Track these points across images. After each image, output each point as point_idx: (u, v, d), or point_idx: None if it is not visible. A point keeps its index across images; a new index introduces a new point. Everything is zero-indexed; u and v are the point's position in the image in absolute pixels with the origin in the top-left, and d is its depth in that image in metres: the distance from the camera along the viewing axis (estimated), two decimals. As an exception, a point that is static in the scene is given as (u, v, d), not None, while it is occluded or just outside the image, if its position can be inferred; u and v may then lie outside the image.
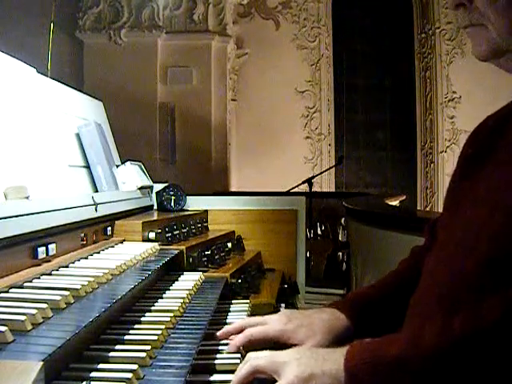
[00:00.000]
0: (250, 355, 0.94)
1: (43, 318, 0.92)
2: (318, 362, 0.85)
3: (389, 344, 0.84)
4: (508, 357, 0.76)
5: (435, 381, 0.79)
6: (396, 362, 0.80)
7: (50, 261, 1.28)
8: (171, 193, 2.30)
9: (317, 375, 0.84)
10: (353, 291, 4.28)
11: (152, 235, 1.78)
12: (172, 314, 1.23)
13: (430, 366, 0.79)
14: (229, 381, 1.01)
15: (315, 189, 7.39)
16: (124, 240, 1.74)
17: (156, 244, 1.72)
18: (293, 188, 6.47)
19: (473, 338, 0.78)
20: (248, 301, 1.63)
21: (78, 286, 1.09)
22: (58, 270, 1.25)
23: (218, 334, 1.17)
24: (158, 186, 2.36)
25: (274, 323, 1.10)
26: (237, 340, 1.12)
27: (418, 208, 8.80)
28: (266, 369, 0.88)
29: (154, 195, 2.34)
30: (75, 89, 2.11)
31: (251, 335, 1.10)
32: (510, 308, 0.78)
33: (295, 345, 1.06)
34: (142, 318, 1.21)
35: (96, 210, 1.62)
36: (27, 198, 1.31)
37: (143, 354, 0.98)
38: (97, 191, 1.92)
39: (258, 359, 0.91)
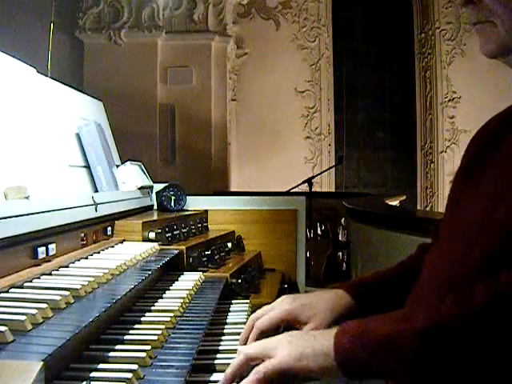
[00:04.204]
0: (242, 348, 0.94)
1: (43, 318, 0.92)
2: (310, 342, 0.86)
3: (380, 321, 0.85)
4: (494, 341, 0.77)
5: (421, 359, 0.80)
6: (384, 339, 0.81)
7: (50, 261, 1.28)
8: (171, 193, 2.30)
9: (308, 353, 0.85)
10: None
11: (152, 235, 1.78)
12: (172, 314, 1.23)
13: (417, 345, 0.79)
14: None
15: (315, 189, 7.38)
16: (124, 240, 1.74)
17: (156, 244, 1.72)
18: (293, 188, 6.47)
19: (457, 322, 0.79)
20: (248, 301, 1.63)
21: (78, 286, 1.09)
22: (58, 270, 1.25)
23: (240, 344, 1.15)
24: (158, 186, 2.36)
25: (279, 306, 1.12)
26: (252, 335, 1.12)
27: (418, 208, 8.79)
28: (258, 354, 0.89)
29: (153, 195, 2.34)
30: (75, 89, 2.11)
31: (261, 328, 1.11)
32: (497, 294, 0.79)
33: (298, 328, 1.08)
34: (142, 318, 1.21)
35: (96, 209, 1.62)
36: (27, 198, 1.31)
37: (143, 354, 0.98)
38: (97, 191, 1.92)
39: (250, 348, 0.91)
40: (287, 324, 1.11)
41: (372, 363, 0.81)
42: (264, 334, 1.11)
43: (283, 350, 0.87)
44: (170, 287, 1.52)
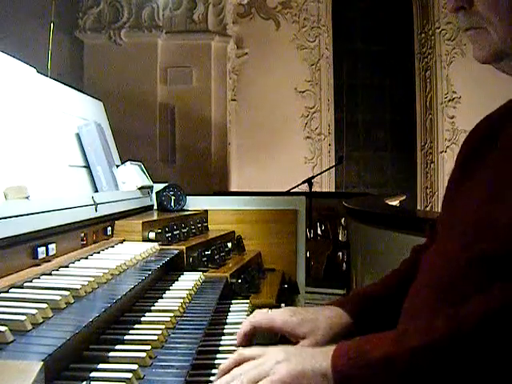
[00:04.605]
0: (236, 372, 0.91)
1: (43, 318, 0.92)
2: (308, 360, 0.86)
3: (376, 342, 0.85)
4: (488, 358, 0.78)
5: (419, 379, 0.80)
6: (381, 361, 0.81)
7: (50, 261, 1.28)
8: (171, 193, 2.30)
9: (307, 372, 0.85)
10: (355, 289, 4.32)
11: (152, 235, 1.78)
12: (172, 314, 1.23)
13: (413, 365, 0.80)
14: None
15: (315, 189, 7.39)
16: (124, 240, 1.74)
17: (156, 244, 1.72)
18: (293, 188, 6.46)
19: (453, 339, 0.79)
20: (248, 301, 1.63)
21: (78, 286, 1.09)
22: (58, 270, 1.25)
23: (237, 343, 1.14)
24: (158, 186, 2.35)
25: (278, 315, 1.11)
26: (242, 327, 1.12)
27: (418, 208, 8.79)
28: (259, 379, 0.88)
29: (153, 195, 2.34)
30: (75, 89, 2.11)
31: (256, 321, 1.11)
32: (490, 311, 0.79)
33: (296, 343, 1.08)
34: (142, 318, 1.21)
35: (96, 209, 1.62)
36: (27, 198, 1.31)
37: (143, 354, 0.98)
38: (97, 191, 1.92)
39: (248, 373, 0.89)
40: (283, 334, 1.11)
41: None
42: (257, 331, 1.11)
43: (282, 367, 0.87)
44: (170, 287, 1.52)
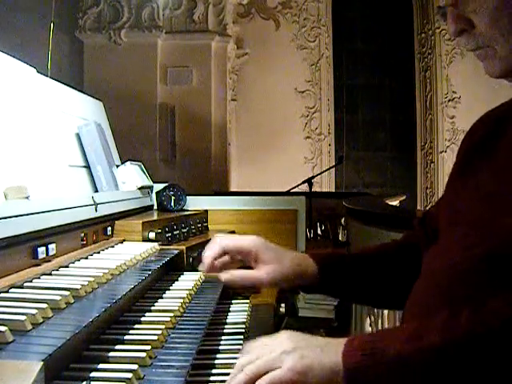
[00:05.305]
0: (242, 362, 0.90)
1: (43, 318, 0.92)
2: (316, 354, 0.84)
3: (390, 338, 0.83)
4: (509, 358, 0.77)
5: (438, 378, 0.79)
6: (398, 358, 0.80)
7: (50, 261, 1.28)
8: (171, 193, 2.30)
9: (314, 367, 0.83)
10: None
11: (152, 235, 1.78)
12: (172, 314, 1.23)
13: (432, 362, 0.78)
14: (229, 381, 1.01)
15: (315, 189, 7.38)
16: (124, 240, 1.74)
17: (156, 244, 1.72)
18: (293, 188, 6.46)
19: (477, 340, 0.78)
20: (248, 301, 1.63)
21: (78, 286, 1.09)
22: (58, 270, 1.25)
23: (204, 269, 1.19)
24: (158, 186, 2.35)
25: (250, 237, 1.19)
26: (211, 251, 1.17)
27: (418, 208, 8.79)
28: (265, 370, 0.86)
29: (153, 195, 2.34)
30: (75, 89, 2.11)
31: (223, 247, 1.17)
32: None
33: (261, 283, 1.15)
34: (142, 318, 1.21)
35: (96, 210, 1.62)
36: (27, 198, 1.31)
37: (143, 354, 0.98)
38: (97, 191, 1.92)
39: (253, 365, 0.87)
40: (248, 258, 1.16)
41: (384, 382, 0.80)
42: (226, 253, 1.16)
43: (287, 360, 0.84)
44: (170, 287, 1.52)
